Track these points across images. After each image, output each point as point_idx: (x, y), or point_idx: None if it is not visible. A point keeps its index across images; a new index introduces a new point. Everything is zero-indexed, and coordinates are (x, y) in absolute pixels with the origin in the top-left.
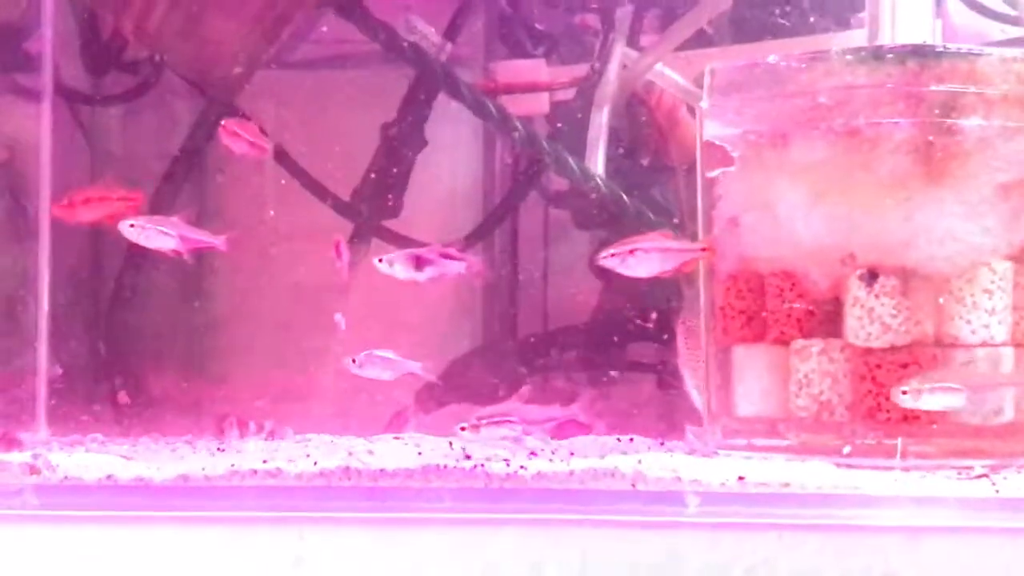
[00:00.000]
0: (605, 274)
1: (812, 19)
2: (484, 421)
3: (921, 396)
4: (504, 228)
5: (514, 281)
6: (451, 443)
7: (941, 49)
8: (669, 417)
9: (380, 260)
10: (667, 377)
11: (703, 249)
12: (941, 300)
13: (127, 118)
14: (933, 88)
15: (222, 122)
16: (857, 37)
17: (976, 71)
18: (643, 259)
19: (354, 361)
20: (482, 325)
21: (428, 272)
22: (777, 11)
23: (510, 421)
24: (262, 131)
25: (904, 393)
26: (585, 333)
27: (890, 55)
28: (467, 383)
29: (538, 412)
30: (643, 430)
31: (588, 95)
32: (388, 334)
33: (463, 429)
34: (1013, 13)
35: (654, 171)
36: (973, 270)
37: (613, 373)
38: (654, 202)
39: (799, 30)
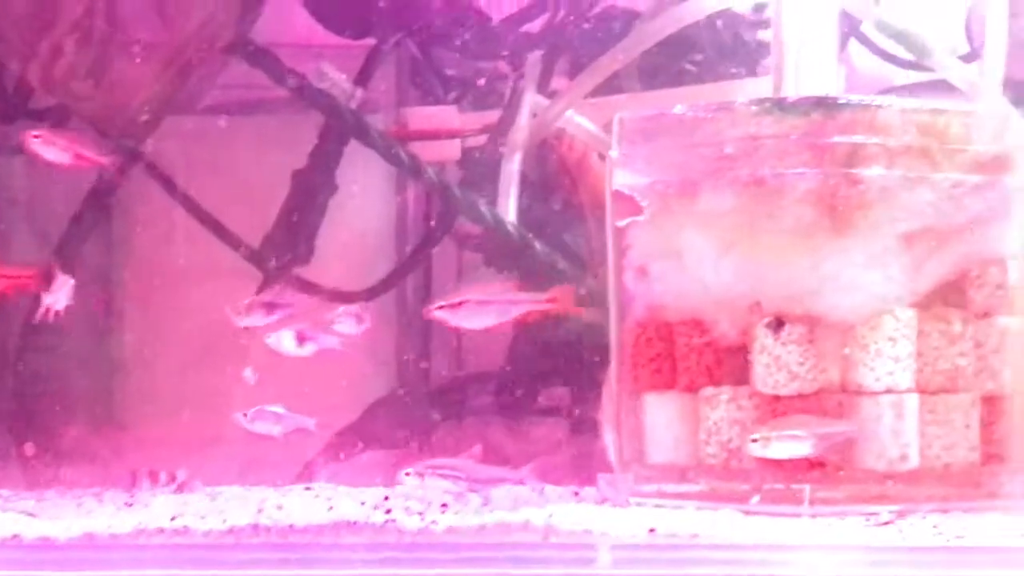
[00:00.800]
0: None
1: (720, 66)
2: (431, 471)
3: (770, 444)
4: (417, 272)
5: (427, 325)
6: (363, 501)
7: (844, 100)
8: (583, 464)
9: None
10: (580, 423)
11: (547, 300)
12: (847, 349)
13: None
14: (836, 139)
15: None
16: (764, 84)
17: (878, 122)
18: (474, 311)
19: (245, 415)
20: (396, 370)
21: (309, 347)
22: (686, 58)
23: (457, 476)
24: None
25: (754, 441)
26: (498, 378)
27: (794, 106)
28: (379, 430)
29: (487, 472)
30: (555, 478)
31: (499, 142)
32: (300, 380)
33: (407, 474)
34: (914, 58)
35: (565, 217)
36: (877, 318)
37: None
38: (566, 247)
39: (707, 77)
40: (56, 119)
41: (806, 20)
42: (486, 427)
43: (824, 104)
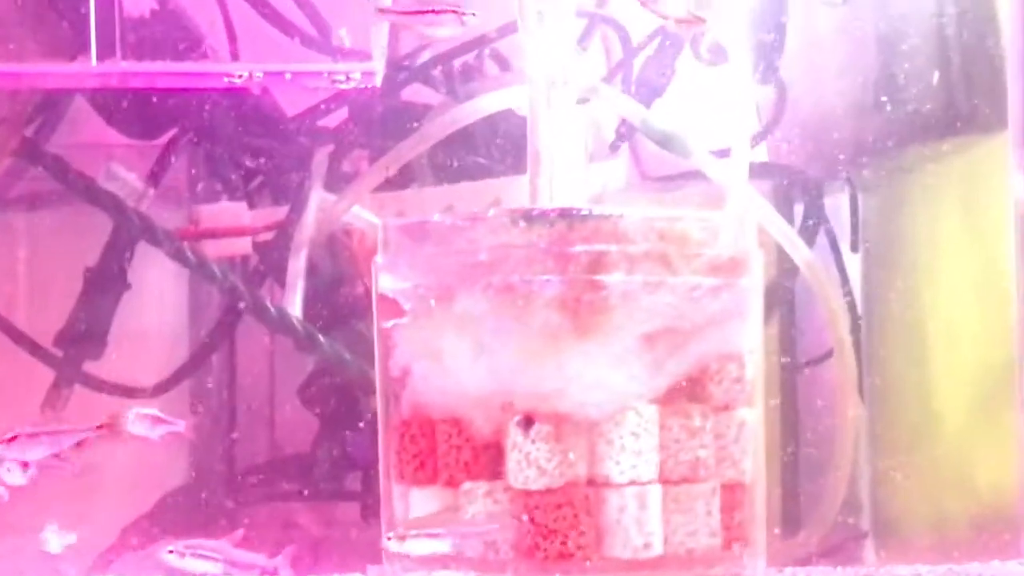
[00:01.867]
0: (314, 405)
1: (503, 163)
2: (190, 551)
3: (406, 541)
4: (222, 355)
5: (232, 409)
6: None
7: (586, 211)
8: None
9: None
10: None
11: (98, 428)
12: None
13: None
14: (579, 248)
15: None
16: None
17: (619, 230)
18: (26, 443)
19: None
20: (192, 459)
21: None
22: (470, 156)
23: (215, 558)
24: None
25: (389, 539)
26: (301, 461)
27: (540, 217)
28: (177, 518)
29: (243, 557)
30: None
31: (287, 237)
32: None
33: (170, 552)
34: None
35: (358, 306)
36: (621, 414)
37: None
38: (359, 336)
39: (491, 173)
40: None
41: (559, 130)
42: (290, 511)
43: (567, 215)
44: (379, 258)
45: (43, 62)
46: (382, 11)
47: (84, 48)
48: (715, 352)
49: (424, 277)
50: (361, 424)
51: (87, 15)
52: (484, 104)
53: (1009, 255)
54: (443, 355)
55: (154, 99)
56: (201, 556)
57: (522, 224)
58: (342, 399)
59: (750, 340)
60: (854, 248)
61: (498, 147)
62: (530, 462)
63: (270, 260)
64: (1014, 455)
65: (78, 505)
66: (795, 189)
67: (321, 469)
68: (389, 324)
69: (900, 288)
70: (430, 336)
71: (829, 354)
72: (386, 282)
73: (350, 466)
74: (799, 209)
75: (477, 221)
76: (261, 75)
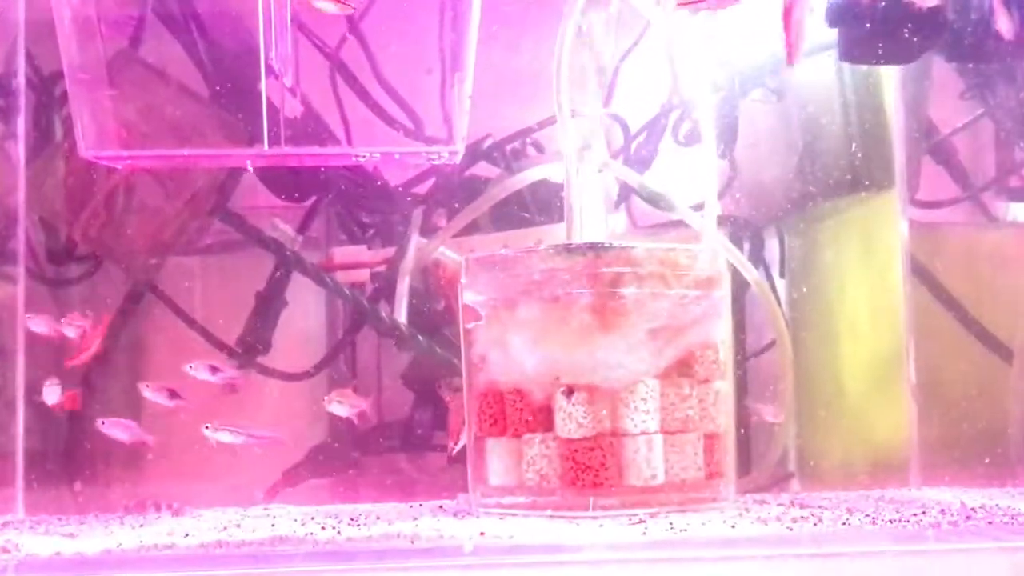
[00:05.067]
0: (413, 385)
1: (542, 216)
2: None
3: (217, 433)
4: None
5: (354, 388)
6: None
7: (608, 244)
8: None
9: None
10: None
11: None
12: (619, 407)
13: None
14: (604, 270)
15: None
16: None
17: (631, 257)
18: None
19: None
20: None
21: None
22: (518, 210)
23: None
24: None
25: (206, 428)
26: (403, 425)
27: (576, 249)
28: (320, 465)
29: (258, 431)
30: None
31: (395, 268)
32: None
33: (206, 428)
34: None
35: (443, 317)
36: (634, 385)
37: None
38: (443, 337)
39: (533, 223)
40: (91, 262)
41: (585, 191)
42: (396, 460)
43: (595, 247)
44: (463, 280)
45: (229, 147)
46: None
47: (257, 137)
48: (698, 342)
49: (495, 292)
50: (444, 398)
51: (259, 115)
52: (529, 175)
53: (898, 276)
54: (509, 346)
55: (303, 173)
56: (227, 430)
57: (563, 254)
58: (432, 381)
59: (722, 334)
60: (782, 274)
61: (537, 204)
62: (571, 419)
63: (383, 284)
64: (902, 416)
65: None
66: (743, 232)
67: (417, 430)
68: (471, 325)
69: (815, 300)
70: (499, 333)
71: (769, 346)
72: (468, 296)
73: (438, 427)
74: (746, 246)
75: (531, 253)
76: (378, 155)
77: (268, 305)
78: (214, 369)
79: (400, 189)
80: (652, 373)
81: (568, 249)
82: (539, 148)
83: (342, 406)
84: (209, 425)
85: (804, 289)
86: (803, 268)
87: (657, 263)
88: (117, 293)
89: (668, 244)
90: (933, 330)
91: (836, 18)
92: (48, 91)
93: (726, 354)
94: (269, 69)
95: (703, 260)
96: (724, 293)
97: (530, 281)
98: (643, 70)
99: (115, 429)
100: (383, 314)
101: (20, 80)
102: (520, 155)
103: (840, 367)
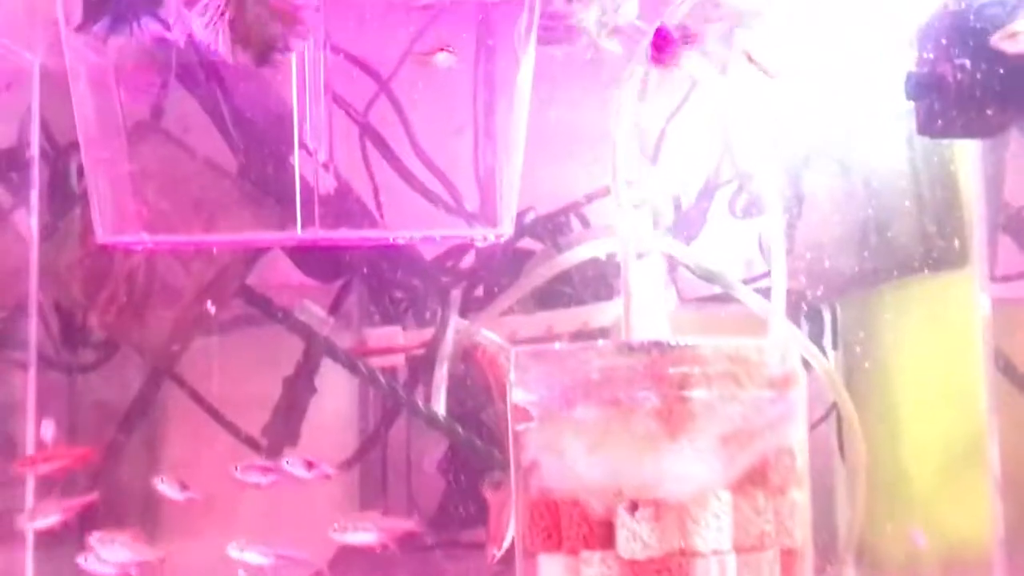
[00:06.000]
0: (448, 474)
1: (588, 293)
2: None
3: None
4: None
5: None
6: None
7: (674, 342)
8: None
9: None
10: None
11: None
12: (687, 523)
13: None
14: (671, 370)
15: None
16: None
17: (699, 355)
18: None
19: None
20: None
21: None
22: (561, 285)
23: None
24: None
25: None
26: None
27: (639, 347)
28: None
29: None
30: None
31: (432, 353)
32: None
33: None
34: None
35: (482, 398)
36: (704, 499)
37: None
38: (483, 424)
39: (580, 301)
40: (108, 349)
41: (643, 277)
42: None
43: (660, 345)
44: (512, 376)
45: (258, 228)
46: None
47: (288, 217)
48: (773, 447)
49: (548, 391)
50: (483, 491)
51: (291, 192)
52: (579, 254)
53: (976, 357)
54: (564, 452)
55: (334, 250)
56: (255, 550)
57: (624, 352)
58: (470, 471)
59: (798, 437)
60: (835, 345)
61: (582, 279)
62: (636, 537)
63: (419, 370)
64: (982, 509)
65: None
66: (800, 310)
67: (449, 522)
68: (521, 427)
69: (873, 377)
70: (553, 436)
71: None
72: (518, 395)
73: (474, 521)
74: (805, 325)
75: (588, 349)
76: (419, 236)
77: (295, 392)
78: (310, 465)
79: (435, 264)
80: (724, 484)
81: (629, 347)
82: (584, 223)
83: (359, 534)
84: (235, 544)
85: (866, 364)
86: (859, 341)
87: (727, 361)
88: (135, 380)
89: (738, 340)
90: (1018, 418)
91: (917, 92)
92: (63, 163)
93: (803, 459)
94: (302, 143)
95: (776, 356)
96: (800, 392)
97: (588, 380)
98: (689, 132)
99: (112, 550)
100: (420, 404)
101: (34, 151)
102: (564, 230)
103: (903, 450)
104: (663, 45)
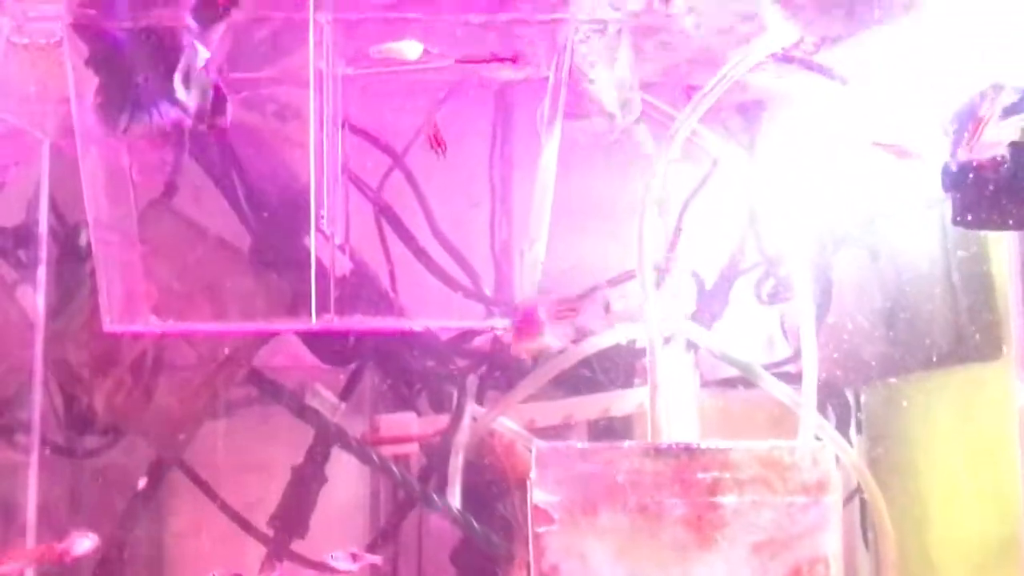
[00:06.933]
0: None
1: (609, 380)
2: None
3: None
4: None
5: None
6: None
7: (704, 446)
8: None
9: None
10: None
11: None
12: None
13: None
14: (700, 475)
15: None
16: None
17: (730, 460)
18: None
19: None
20: None
21: None
22: (582, 372)
23: None
24: None
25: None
26: None
27: (667, 450)
28: None
29: None
30: None
31: (448, 441)
32: None
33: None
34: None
35: (498, 488)
36: None
37: None
38: (498, 515)
39: (601, 388)
40: (114, 435)
41: (672, 370)
42: None
43: (689, 449)
44: (533, 475)
45: (271, 314)
46: None
47: (302, 301)
48: (807, 557)
49: (571, 493)
50: None
51: (305, 274)
52: (602, 340)
53: (1014, 456)
54: (587, 557)
55: (349, 338)
56: None
57: (652, 455)
58: (485, 565)
59: (833, 545)
60: (858, 430)
61: (602, 364)
62: None
63: (434, 459)
64: None
65: None
66: (827, 398)
67: None
68: (542, 529)
69: (897, 469)
70: (576, 541)
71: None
72: (539, 496)
73: None
74: (832, 415)
75: (614, 450)
76: (436, 326)
77: (304, 481)
78: (355, 557)
79: (450, 347)
80: None
81: (657, 449)
82: (605, 307)
83: None
84: None
85: (891, 454)
86: (883, 431)
87: (758, 465)
88: (139, 467)
89: (769, 442)
90: None
91: (953, 183)
92: (72, 242)
93: (837, 569)
94: (318, 226)
95: (809, 459)
96: (835, 497)
97: (613, 483)
98: (711, 211)
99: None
100: (434, 496)
101: (43, 228)
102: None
103: (932, 547)
104: (525, 328)
